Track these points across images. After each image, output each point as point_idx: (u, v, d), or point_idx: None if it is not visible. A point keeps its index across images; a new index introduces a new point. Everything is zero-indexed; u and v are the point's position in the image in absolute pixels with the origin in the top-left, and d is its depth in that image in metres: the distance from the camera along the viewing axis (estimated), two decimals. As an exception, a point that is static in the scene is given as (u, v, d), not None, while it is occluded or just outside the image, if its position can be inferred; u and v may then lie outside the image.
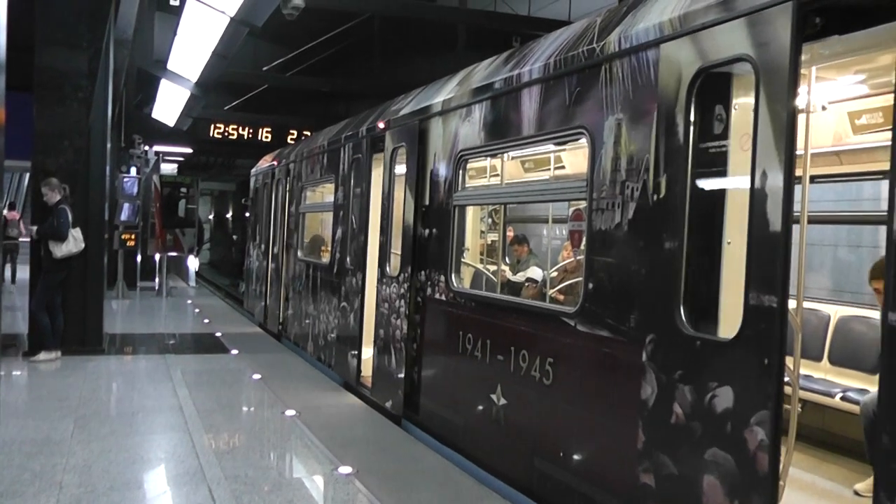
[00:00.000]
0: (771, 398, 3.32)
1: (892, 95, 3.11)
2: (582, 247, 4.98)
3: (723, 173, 3.91)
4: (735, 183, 3.88)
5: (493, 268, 7.88)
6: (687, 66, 3.93)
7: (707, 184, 3.95)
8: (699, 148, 3.89)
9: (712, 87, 3.92)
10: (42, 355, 9.51)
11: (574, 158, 7.43)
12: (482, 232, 9.08)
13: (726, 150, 3.87)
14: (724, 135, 3.89)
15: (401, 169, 7.72)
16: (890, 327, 2.99)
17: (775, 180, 3.37)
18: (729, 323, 3.78)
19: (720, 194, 3.95)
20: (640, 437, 4.16)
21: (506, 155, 6.88)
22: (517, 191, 7.23)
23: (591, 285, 4.67)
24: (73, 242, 9.53)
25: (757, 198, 3.46)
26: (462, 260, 6.83)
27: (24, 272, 15.80)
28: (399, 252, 7.62)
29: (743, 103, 3.87)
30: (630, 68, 4.41)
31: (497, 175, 7.40)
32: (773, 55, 3.43)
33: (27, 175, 24.10)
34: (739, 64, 3.68)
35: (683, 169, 3.90)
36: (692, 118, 3.89)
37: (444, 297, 6.58)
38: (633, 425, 4.20)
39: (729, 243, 3.87)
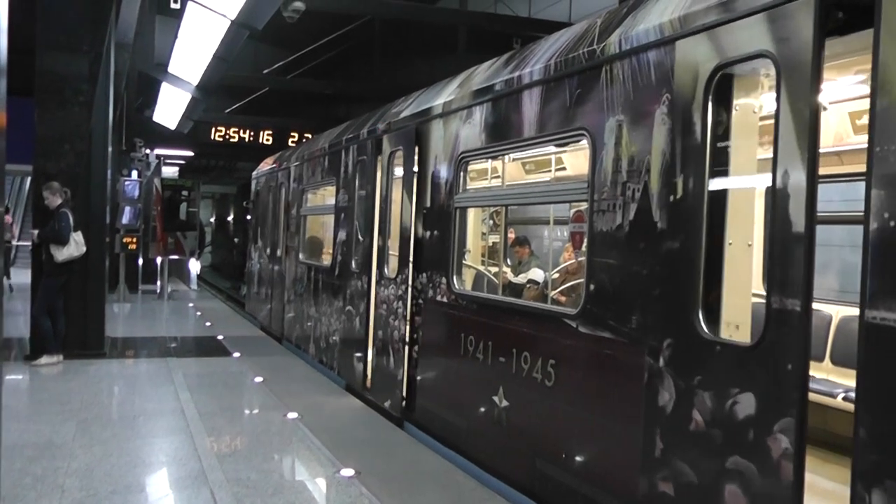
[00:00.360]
0: (795, 405, 3.25)
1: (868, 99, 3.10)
2: (595, 249, 4.95)
3: (741, 172, 3.87)
4: (742, 182, 3.85)
5: (494, 269, 7.88)
6: (704, 64, 3.84)
7: (723, 183, 3.87)
8: (717, 147, 3.81)
9: (730, 84, 3.87)
10: (44, 359, 9.51)
11: (578, 160, 7.43)
12: (483, 234, 9.08)
13: (744, 148, 3.83)
14: (742, 133, 3.86)
15: (400, 171, 7.73)
16: (867, 324, 3.03)
17: (798, 180, 3.29)
18: (731, 325, 3.76)
19: (728, 194, 3.90)
20: (644, 442, 4.15)
21: (507, 157, 6.89)
22: (519, 192, 7.22)
23: (592, 286, 4.67)
24: (75, 246, 9.54)
25: (779, 197, 3.38)
26: (463, 262, 6.83)
27: (20, 276, 15.81)
28: (397, 253, 7.63)
29: (763, 101, 3.84)
30: (641, 67, 4.39)
31: (498, 177, 7.40)
32: (795, 51, 3.36)
33: (28, 179, 24.13)
34: (759, 61, 3.61)
35: (702, 168, 3.81)
36: (710, 117, 3.81)
37: (445, 299, 6.58)
38: (640, 429, 4.20)
39: (730, 244, 3.85)
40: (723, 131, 3.88)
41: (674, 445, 3.92)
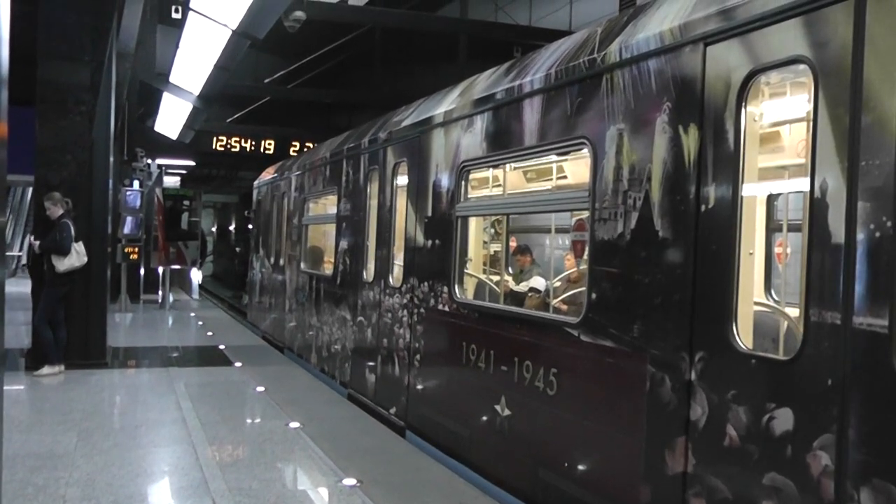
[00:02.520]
0: (836, 421, 3.17)
1: None
2: (597, 257, 4.94)
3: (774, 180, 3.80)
4: (769, 190, 3.79)
5: (496, 278, 7.87)
6: (736, 70, 3.73)
7: (752, 191, 3.81)
8: (749, 155, 3.72)
9: (764, 90, 3.83)
10: (45, 369, 9.50)
11: (580, 169, 7.42)
12: (485, 242, 9.07)
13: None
14: (775, 141, 3.81)
15: (402, 180, 7.73)
16: (854, 330, 3.10)
17: (838, 189, 3.19)
18: (746, 334, 3.74)
19: (755, 202, 3.83)
20: (647, 451, 4.15)
21: (508, 166, 6.88)
22: (520, 201, 7.22)
23: (594, 295, 4.66)
24: (76, 256, 9.54)
25: (817, 208, 3.28)
26: (465, 270, 6.83)
27: (21, 286, 15.81)
28: (401, 263, 7.63)
29: (797, 107, 3.79)
30: (642, 75, 4.39)
31: (499, 185, 7.39)
32: (833, 55, 3.27)
33: (30, 189, 24.23)
34: (794, 66, 3.52)
35: (734, 177, 3.71)
36: (743, 124, 3.70)
37: (447, 308, 6.57)
38: (642, 438, 4.19)
39: (751, 253, 3.83)
40: (757, 138, 3.84)
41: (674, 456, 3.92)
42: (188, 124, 19.14)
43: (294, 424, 7.34)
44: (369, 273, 8.65)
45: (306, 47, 22.05)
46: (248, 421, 8.07)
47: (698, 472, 3.81)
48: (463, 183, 6.48)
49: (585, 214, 5.26)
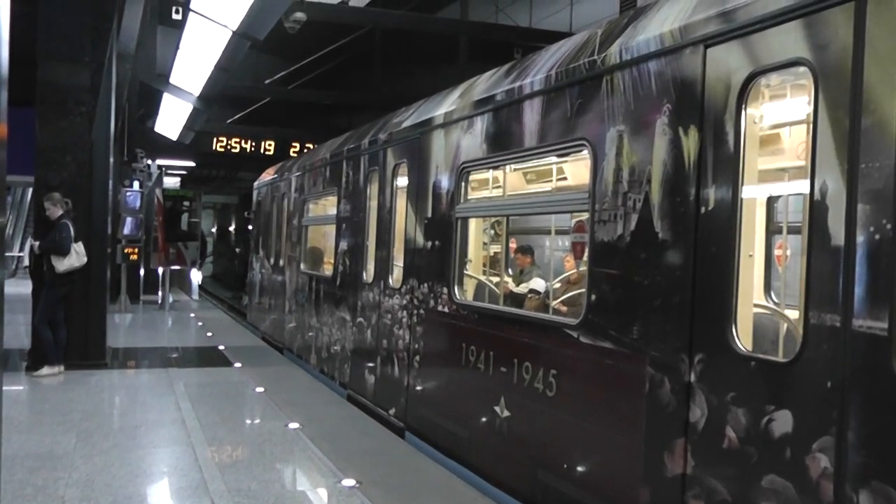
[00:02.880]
0: (835, 423, 3.17)
1: None
2: (597, 259, 4.94)
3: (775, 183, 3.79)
4: (769, 192, 3.78)
5: (495, 279, 7.87)
6: (736, 72, 3.73)
7: (752, 193, 3.80)
8: (749, 157, 3.72)
9: (764, 92, 3.84)
10: (45, 370, 9.50)
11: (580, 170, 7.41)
12: (484, 243, 9.06)
13: (778, 158, 3.79)
14: (775, 143, 3.80)
15: (401, 181, 7.73)
16: (854, 333, 3.09)
17: (838, 192, 3.19)
18: (745, 336, 3.74)
19: (755, 204, 3.82)
20: (646, 452, 4.15)
21: (508, 167, 6.88)
22: (520, 203, 7.21)
23: (593, 296, 4.66)
24: (76, 257, 9.54)
25: (817, 210, 3.28)
26: (465, 272, 6.82)
27: (21, 287, 15.81)
28: (400, 264, 7.63)
29: (797, 109, 3.79)
30: (642, 77, 4.40)
31: (499, 187, 7.39)
32: (834, 57, 3.27)
33: (30, 190, 24.21)
34: (795, 68, 3.52)
35: (734, 179, 3.71)
36: (743, 126, 3.71)
37: (446, 309, 6.57)
38: (641, 440, 4.19)
39: (751, 255, 3.82)
40: (758, 141, 3.83)
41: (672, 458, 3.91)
42: (188, 125, 19.14)
43: (293, 425, 7.34)
44: (369, 274, 8.65)
45: (306, 48, 22.06)
46: (248, 422, 8.07)
47: (697, 473, 3.81)
48: (463, 184, 6.49)
49: (585, 216, 5.26)
